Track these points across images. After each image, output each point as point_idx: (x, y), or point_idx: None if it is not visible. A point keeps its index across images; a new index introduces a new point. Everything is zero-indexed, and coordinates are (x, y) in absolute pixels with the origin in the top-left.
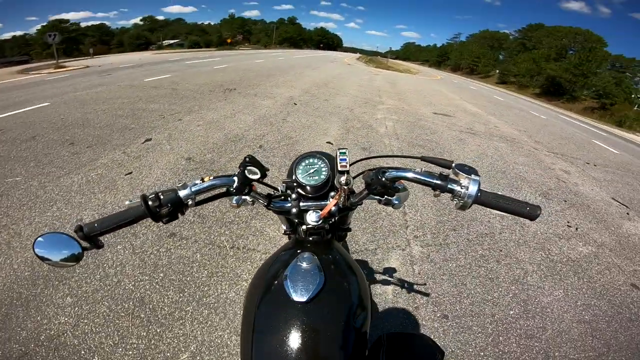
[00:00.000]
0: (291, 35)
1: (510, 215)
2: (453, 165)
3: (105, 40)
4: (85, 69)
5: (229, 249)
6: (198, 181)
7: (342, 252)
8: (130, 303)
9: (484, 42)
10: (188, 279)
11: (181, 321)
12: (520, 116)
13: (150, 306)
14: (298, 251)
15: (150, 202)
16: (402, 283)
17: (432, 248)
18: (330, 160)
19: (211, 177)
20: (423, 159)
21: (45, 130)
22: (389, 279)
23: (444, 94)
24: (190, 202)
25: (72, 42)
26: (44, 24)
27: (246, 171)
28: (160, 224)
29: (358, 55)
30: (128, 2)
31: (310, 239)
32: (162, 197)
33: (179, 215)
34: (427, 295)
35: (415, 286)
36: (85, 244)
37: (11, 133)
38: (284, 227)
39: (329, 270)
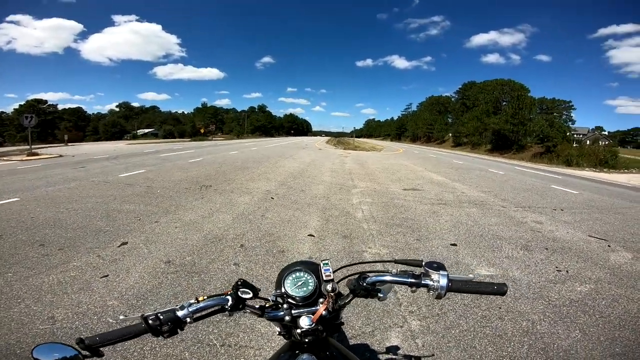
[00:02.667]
0: (262, 123)
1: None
2: (423, 264)
3: (81, 126)
4: (59, 159)
5: (220, 346)
6: (193, 301)
7: (339, 347)
8: None
9: (433, 108)
10: None
11: None
12: (481, 177)
13: None
14: (297, 352)
15: (150, 322)
16: (408, 358)
17: (430, 320)
18: (315, 270)
19: (205, 297)
20: (396, 261)
21: (14, 229)
22: (394, 357)
23: (409, 167)
24: (188, 320)
25: (48, 126)
26: (22, 102)
27: (239, 292)
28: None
29: (327, 138)
30: (105, 87)
31: (307, 340)
32: (162, 317)
33: (179, 330)
34: None
35: (423, 359)
36: (85, 353)
37: None
38: (278, 329)
39: None
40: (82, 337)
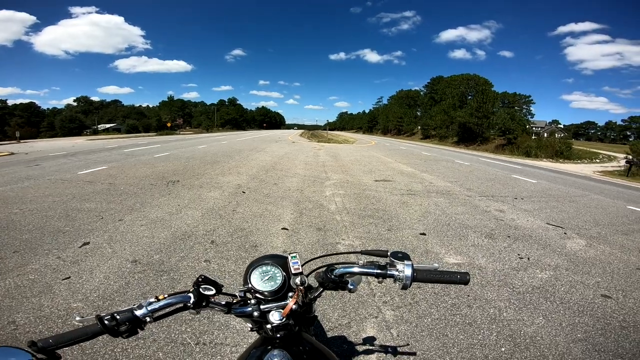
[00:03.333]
0: (233, 117)
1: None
2: (388, 254)
3: (34, 122)
4: (10, 157)
5: (194, 345)
6: (153, 299)
7: (312, 341)
8: None
9: (403, 101)
10: None
11: None
12: (448, 167)
13: None
14: (268, 348)
15: (106, 322)
16: (384, 349)
17: (403, 309)
18: (282, 263)
19: (166, 295)
20: (362, 252)
21: None
22: (371, 347)
23: (380, 159)
24: (148, 319)
25: None
26: None
27: (201, 289)
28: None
29: (301, 131)
30: (60, 81)
31: (278, 335)
32: (118, 317)
33: (138, 330)
34: (413, 354)
35: (398, 348)
36: (40, 356)
37: None
38: (250, 325)
39: None
40: (34, 339)
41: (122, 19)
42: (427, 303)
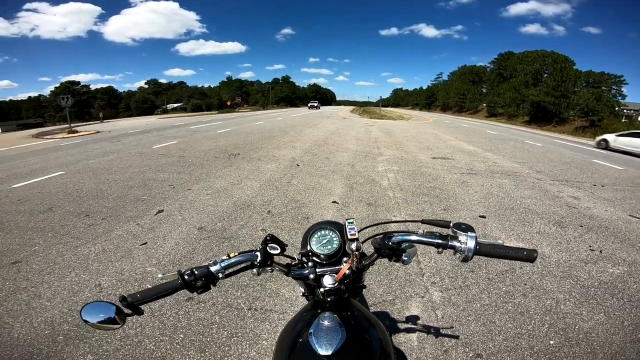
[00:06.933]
0: (286, 94)
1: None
2: (451, 224)
3: (114, 104)
4: (96, 135)
5: (247, 310)
6: (225, 257)
7: (360, 307)
8: None
9: (465, 77)
10: (208, 339)
11: None
12: (516, 148)
13: None
14: (319, 311)
15: (186, 277)
16: (426, 329)
17: (452, 292)
18: (340, 228)
19: (236, 254)
20: (423, 221)
21: (62, 202)
22: (413, 326)
23: (439, 137)
24: (220, 275)
25: (83, 105)
26: (57, 85)
27: (268, 247)
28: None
29: (352, 107)
30: (132, 66)
31: (329, 299)
32: (196, 272)
33: (211, 286)
34: (455, 337)
35: (441, 330)
36: (127, 310)
37: (29, 204)
38: (303, 290)
39: (349, 326)
40: (124, 294)
41: (176, 4)
42: (479, 288)
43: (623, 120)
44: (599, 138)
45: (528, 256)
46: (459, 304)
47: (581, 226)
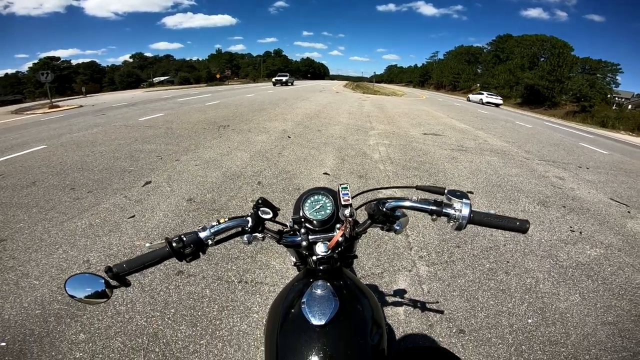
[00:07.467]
0: (278, 67)
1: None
2: (445, 191)
3: (97, 78)
4: (80, 109)
5: (237, 283)
6: (215, 223)
7: (352, 277)
8: (144, 338)
9: (461, 57)
10: (199, 313)
11: (196, 354)
12: (507, 128)
13: (164, 340)
14: (311, 280)
15: (174, 244)
16: (413, 303)
17: (438, 266)
18: (333, 195)
19: (226, 219)
20: (417, 188)
21: (45, 175)
22: (400, 300)
23: (431, 114)
24: (210, 242)
25: (64, 81)
26: (35, 61)
27: (259, 212)
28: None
29: (345, 82)
30: (116, 40)
31: (321, 267)
32: (184, 239)
33: (200, 254)
34: (440, 312)
35: (427, 304)
36: (114, 282)
37: (11, 178)
38: (294, 259)
39: (342, 295)
40: (110, 265)
41: None
42: (464, 264)
43: (614, 108)
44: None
45: (520, 227)
46: (444, 279)
47: (564, 207)
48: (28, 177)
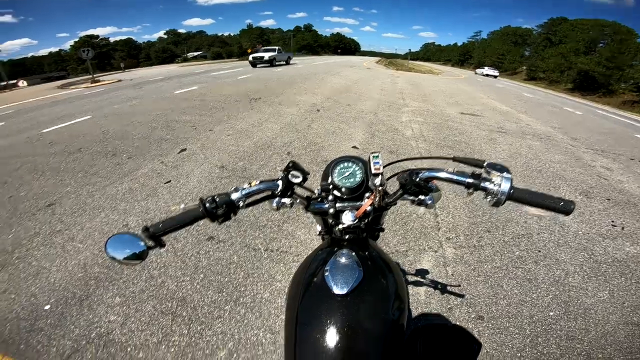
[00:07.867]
0: (308, 42)
1: (546, 213)
2: (485, 164)
3: (134, 54)
4: (119, 83)
5: (264, 251)
6: (246, 185)
7: (378, 248)
8: (173, 302)
9: (507, 38)
10: (226, 279)
11: (220, 320)
12: (553, 113)
13: (192, 305)
14: (335, 249)
15: (207, 205)
16: (434, 284)
17: (465, 250)
18: (364, 163)
19: (257, 182)
20: (455, 159)
21: (89, 143)
22: (422, 280)
23: (470, 93)
24: (241, 204)
25: (103, 57)
26: (76, 39)
27: (290, 175)
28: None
29: (377, 58)
30: (150, 17)
31: (347, 237)
32: (217, 199)
33: (232, 215)
34: (461, 296)
35: (448, 287)
36: (150, 243)
37: (59, 146)
38: (319, 228)
39: (366, 265)
40: (146, 225)
41: None
42: (493, 249)
43: None
44: None
45: (565, 207)
46: (470, 262)
47: (608, 199)
48: (74, 144)
